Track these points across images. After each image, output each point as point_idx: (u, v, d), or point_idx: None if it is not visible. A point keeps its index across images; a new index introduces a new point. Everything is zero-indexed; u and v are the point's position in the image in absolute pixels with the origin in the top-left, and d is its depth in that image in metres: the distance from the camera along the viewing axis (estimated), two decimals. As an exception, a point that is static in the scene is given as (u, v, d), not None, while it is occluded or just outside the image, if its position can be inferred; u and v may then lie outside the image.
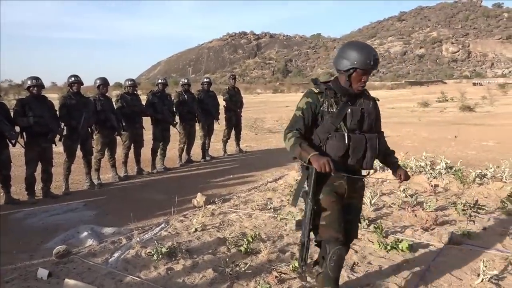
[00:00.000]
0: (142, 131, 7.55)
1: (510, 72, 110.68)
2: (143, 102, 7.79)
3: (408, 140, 11.18)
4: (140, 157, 7.61)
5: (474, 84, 64.97)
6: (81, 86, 6.39)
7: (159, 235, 4.23)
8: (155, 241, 3.79)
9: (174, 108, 8.17)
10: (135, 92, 7.59)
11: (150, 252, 3.60)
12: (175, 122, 8.12)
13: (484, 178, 5.77)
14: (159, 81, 8.14)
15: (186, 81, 8.65)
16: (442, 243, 3.79)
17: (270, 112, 22.68)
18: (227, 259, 3.33)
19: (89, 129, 6.44)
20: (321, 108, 2.50)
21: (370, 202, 4.86)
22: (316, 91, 2.53)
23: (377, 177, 6.06)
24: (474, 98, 26.95)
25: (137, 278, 3.23)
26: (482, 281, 2.98)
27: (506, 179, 5.62)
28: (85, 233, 4.16)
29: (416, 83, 76.69)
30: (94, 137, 6.67)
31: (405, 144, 10.18)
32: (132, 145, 7.43)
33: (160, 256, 3.50)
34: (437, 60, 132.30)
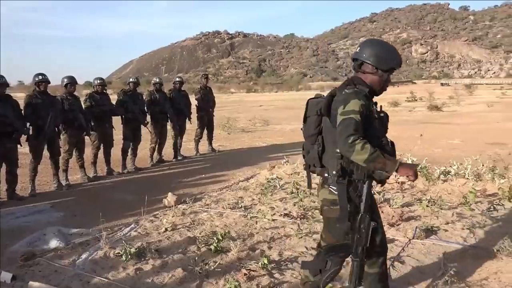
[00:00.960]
0: (112, 130, 7.44)
1: (475, 73, 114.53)
2: (114, 102, 7.68)
3: (378, 138, 11.41)
4: (110, 157, 7.49)
5: (442, 84, 66.86)
6: (49, 85, 6.25)
7: (128, 235, 4.19)
8: (123, 242, 3.75)
9: (145, 108, 8.09)
10: (104, 91, 7.46)
11: (119, 253, 3.56)
12: (146, 122, 8.04)
13: (448, 175, 5.96)
14: (130, 80, 8.04)
15: (158, 80, 8.58)
16: (407, 238, 3.91)
17: (244, 111, 22.71)
18: (196, 258, 3.34)
19: (56, 128, 6.30)
20: (369, 112, 2.21)
21: (339, 200, 4.94)
22: (365, 92, 2.26)
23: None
24: (442, 98, 27.76)
25: (105, 279, 3.19)
26: (443, 273, 3.10)
27: (468, 176, 5.82)
28: (52, 235, 4.07)
29: (387, 83, 78.04)
30: (62, 137, 6.52)
31: (375, 142, 10.39)
32: (102, 145, 7.31)
33: (129, 256, 3.47)
34: (407, 61, 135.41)
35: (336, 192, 2.22)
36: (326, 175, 2.28)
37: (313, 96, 2.59)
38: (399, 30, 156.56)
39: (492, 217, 4.38)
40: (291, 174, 6.65)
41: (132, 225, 4.49)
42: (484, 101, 27.15)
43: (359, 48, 2.39)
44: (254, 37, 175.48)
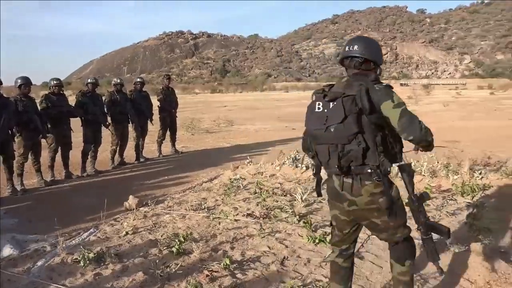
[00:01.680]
0: (70, 133, 7.22)
1: (432, 73, 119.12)
2: (72, 103, 7.46)
3: (340, 138, 11.66)
4: (68, 160, 7.27)
5: (401, 84, 69.01)
6: (1, 86, 5.99)
7: (87, 240, 4.08)
8: (81, 247, 3.65)
9: (105, 109, 7.90)
10: (62, 92, 7.23)
11: (77, 258, 3.46)
12: (107, 123, 7.85)
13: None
14: (89, 80, 7.85)
15: (118, 80, 8.41)
16: (367, 234, 4.01)
17: (208, 112, 22.58)
18: (157, 261, 3.30)
19: (9, 131, 6.04)
20: None
21: (301, 198, 5.02)
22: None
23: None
24: (401, 97, 28.62)
25: (62, 286, 3.10)
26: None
27: (424, 173, 6.05)
28: (5, 242, 3.90)
29: (349, 84, 79.72)
30: (16, 140, 6.27)
31: (337, 142, 10.60)
32: (60, 147, 7.08)
33: (87, 262, 3.38)
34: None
35: (382, 182, 2.29)
36: (369, 170, 2.28)
37: (320, 92, 2.40)
38: (360, 31, 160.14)
39: (446, 212, 4.57)
40: (255, 174, 6.68)
41: (91, 230, 4.37)
42: (440, 100, 28.28)
43: (354, 46, 2.39)
44: (218, 38, 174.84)
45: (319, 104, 2.33)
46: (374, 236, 3.89)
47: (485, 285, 2.95)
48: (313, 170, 2.55)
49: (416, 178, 5.84)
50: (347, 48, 2.41)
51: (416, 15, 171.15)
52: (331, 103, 2.28)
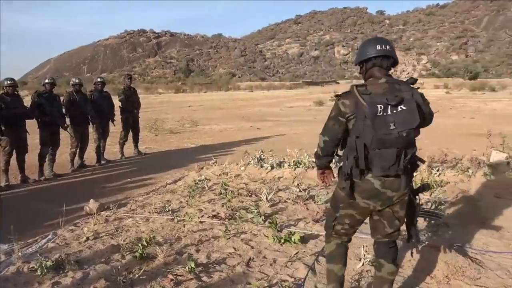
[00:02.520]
0: (26, 135, 6.92)
1: (392, 73, 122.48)
2: (28, 104, 7.15)
3: (304, 137, 11.79)
4: (24, 164, 6.96)
5: (362, 84, 70.71)
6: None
7: (45, 247, 3.92)
8: (38, 255, 3.50)
9: (64, 110, 7.62)
10: (16, 92, 6.91)
11: (33, 267, 3.31)
12: (66, 125, 7.58)
13: (368, 170, 6.30)
14: (46, 81, 7.54)
15: (77, 80, 8.11)
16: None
17: (172, 112, 22.26)
18: (120, 267, 3.21)
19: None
20: None
21: (267, 198, 5.03)
22: None
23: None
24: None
25: (18, 297, 2.95)
26: (363, 264, 3.27)
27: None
28: (-45, 253, 3.69)
29: (313, 83, 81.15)
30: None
31: (302, 141, 10.71)
32: (15, 151, 6.77)
33: (45, 270, 3.24)
34: (330, 62, 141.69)
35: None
36: (406, 165, 2.37)
37: (367, 93, 2.33)
38: (323, 32, 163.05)
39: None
40: (220, 175, 6.64)
41: (49, 236, 4.19)
42: (399, 99, 29.12)
43: (387, 46, 2.43)
44: (181, 37, 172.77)
45: (380, 108, 2.26)
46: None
47: (444, 279, 3.05)
48: (347, 175, 2.37)
49: (378, 176, 6.00)
50: (381, 47, 2.41)
51: (376, 16, 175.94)
52: (398, 107, 2.25)
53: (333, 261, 2.68)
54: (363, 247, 3.33)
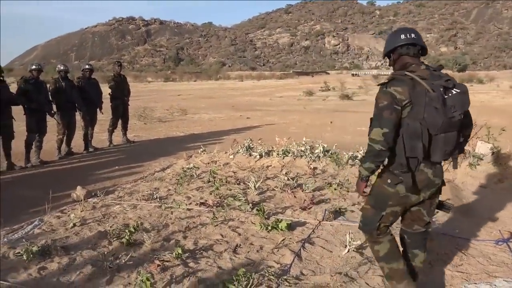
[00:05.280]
0: (12, 122, 6.82)
1: (382, 64, 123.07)
2: (14, 90, 7.05)
3: (293, 126, 11.84)
4: (10, 151, 6.87)
5: (353, 75, 70.95)
6: None
7: (31, 233, 3.90)
8: (24, 240, 3.48)
9: (50, 97, 7.53)
10: (2, 78, 6.79)
11: (19, 252, 3.29)
12: (52, 112, 7.49)
13: (356, 160, 6.36)
14: (33, 67, 7.43)
15: (62, 67, 7.99)
16: (318, 220, 4.11)
17: (161, 101, 22.12)
18: (106, 253, 3.21)
19: None
20: None
21: (255, 186, 5.05)
22: None
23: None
24: (352, 87, 29.53)
25: (4, 282, 2.94)
26: (348, 251, 3.32)
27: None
28: None
29: (303, 73, 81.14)
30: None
31: (290, 130, 10.76)
32: (1, 137, 6.68)
33: (31, 255, 3.23)
34: (321, 52, 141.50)
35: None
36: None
37: (425, 78, 2.29)
38: (313, 22, 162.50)
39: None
40: (208, 163, 6.64)
41: (36, 222, 4.17)
42: (389, 90, 29.29)
43: (412, 34, 2.46)
44: (171, 25, 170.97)
45: (442, 91, 2.24)
46: (325, 222, 4.02)
47: (427, 265, 3.11)
48: (405, 167, 2.29)
49: (365, 165, 6.06)
50: (405, 36, 2.45)
51: (367, 7, 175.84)
52: (452, 90, 2.24)
53: (394, 259, 2.52)
54: (349, 234, 3.37)
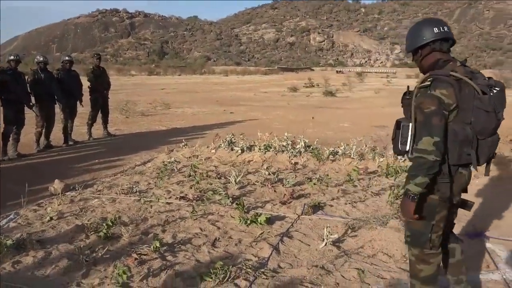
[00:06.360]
0: (-12, 113, 6.67)
1: (366, 61, 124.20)
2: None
3: (277, 122, 11.86)
4: (-14, 143, 6.72)
5: (337, 71, 71.46)
6: None
7: (6, 227, 3.83)
8: (-2, 234, 3.42)
9: (29, 88, 7.39)
10: (-22, 69, 6.64)
11: (-7, 246, 3.23)
12: (31, 103, 7.35)
13: (336, 155, 6.42)
14: (11, 57, 7.27)
15: (41, 58, 7.85)
16: (297, 214, 4.14)
17: (145, 94, 21.89)
18: (82, 246, 3.17)
19: None
20: None
21: (235, 181, 5.06)
22: None
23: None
24: (336, 84, 29.69)
25: (-24, 276, 2.88)
26: (325, 244, 3.35)
27: (353, 156, 6.33)
28: None
29: (287, 69, 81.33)
30: None
31: (273, 126, 10.77)
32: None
33: (5, 249, 3.17)
34: (306, 48, 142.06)
35: None
36: None
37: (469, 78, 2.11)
38: (299, 18, 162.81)
39: (372, 192, 4.84)
40: (190, 157, 6.62)
41: (11, 216, 4.10)
42: (372, 88, 29.63)
43: (447, 27, 2.24)
44: (155, 18, 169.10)
45: (489, 94, 2.08)
46: (304, 216, 4.05)
47: (402, 258, 3.16)
48: (453, 175, 2.17)
49: (345, 161, 6.13)
50: (439, 29, 2.21)
51: (352, 5, 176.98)
52: (494, 89, 2.09)
53: (431, 283, 2.32)
54: (326, 228, 3.40)
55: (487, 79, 2.15)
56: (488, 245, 3.45)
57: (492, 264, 3.13)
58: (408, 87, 2.36)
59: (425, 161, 2.04)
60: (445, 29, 2.22)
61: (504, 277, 2.95)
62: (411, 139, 2.16)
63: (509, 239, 3.59)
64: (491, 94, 2.06)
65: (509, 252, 3.35)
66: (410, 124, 2.16)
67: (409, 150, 2.18)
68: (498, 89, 2.09)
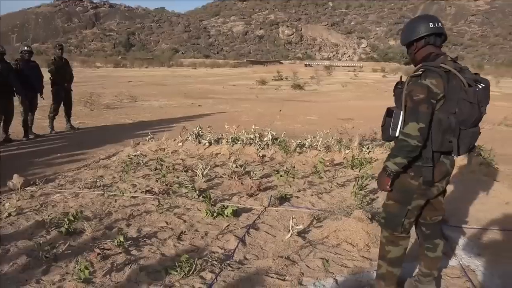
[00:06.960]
0: None
1: (334, 55, 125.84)
2: None
3: (245, 115, 11.85)
4: None
5: (305, 65, 72.13)
6: None
7: (-40, 224, 3.66)
8: (-49, 232, 3.26)
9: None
10: None
11: None
12: (-13, 96, 7.03)
13: (303, 147, 6.48)
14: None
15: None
16: (263, 206, 4.16)
17: (110, 87, 21.34)
18: (42, 242, 3.07)
19: None
20: None
21: (202, 174, 5.02)
22: None
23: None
24: (305, 77, 29.95)
25: None
26: (291, 235, 3.38)
27: (320, 148, 6.41)
28: None
29: (256, 62, 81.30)
30: None
31: (242, 119, 10.77)
32: None
33: (-41, 247, 3.03)
34: (275, 42, 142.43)
35: None
36: None
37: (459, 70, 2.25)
38: (268, 11, 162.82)
39: (337, 184, 4.92)
40: (156, 151, 6.52)
41: (-34, 213, 3.92)
42: (339, 81, 30.10)
43: (440, 23, 2.36)
44: (121, 8, 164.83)
45: (474, 86, 2.19)
46: (270, 208, 4.07)
47: (365, 247, 3.24)
48: (435, 161, 2.29)
49: (313, 153, 6.20)
50: (434, 24, 2.34)
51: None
52: (479, 85, 2.20)
53: (398, 265, 2.49)
54: (292, 219, 3.44)
55: (474, 74, 2.29)
56: (447, 232, 3.58)
57: (449, 250, 3.25)
58: (401, 77, 2.49)
59: (407, 144, 2.20)
60: (439, 25, 2.37)
61: (461, 262, 3.08)
62: (401, 125, 2.30)
63: (466, 226, 3.75)
64: (477, 88, 2.19)
65: (466, 239, 3.49)
66: (401, 112, 2.29)
67: (398, 136, 2.30)
68: (483, 85, 2.22)
